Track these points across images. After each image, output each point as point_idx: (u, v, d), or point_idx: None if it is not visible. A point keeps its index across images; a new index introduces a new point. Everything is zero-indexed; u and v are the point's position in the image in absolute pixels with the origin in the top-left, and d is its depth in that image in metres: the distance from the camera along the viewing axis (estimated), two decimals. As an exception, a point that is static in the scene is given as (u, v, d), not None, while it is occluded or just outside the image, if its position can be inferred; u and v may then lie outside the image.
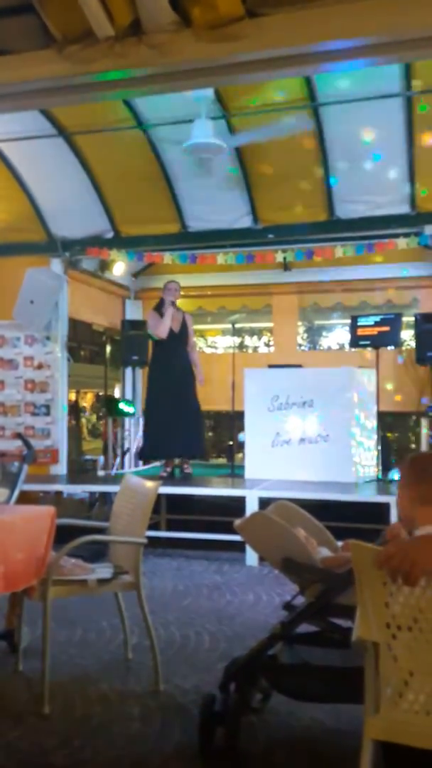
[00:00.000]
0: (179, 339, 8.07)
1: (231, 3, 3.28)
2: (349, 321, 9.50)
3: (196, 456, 8.25)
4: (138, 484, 4.16)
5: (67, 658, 4.23)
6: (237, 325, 10.40)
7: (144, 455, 8.64)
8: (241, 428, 8.48)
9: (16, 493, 4.90)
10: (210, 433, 14.17)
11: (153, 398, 8.15)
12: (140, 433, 10.54)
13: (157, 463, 8.95)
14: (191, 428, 7.98)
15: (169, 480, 7.81)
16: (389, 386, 9.46)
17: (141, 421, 10.68)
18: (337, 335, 14.03)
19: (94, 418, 18.68)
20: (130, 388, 10.73)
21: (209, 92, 6.62)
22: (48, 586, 3.56)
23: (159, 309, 8.08)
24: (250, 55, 3.46)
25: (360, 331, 8.99)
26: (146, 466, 9.82)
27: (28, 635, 4.23)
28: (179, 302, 8.32)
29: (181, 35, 3.40)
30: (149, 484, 4.04)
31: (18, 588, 3.54)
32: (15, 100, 4.01)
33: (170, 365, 8.03)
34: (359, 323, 9.02)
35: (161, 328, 7.98)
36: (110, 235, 8.74)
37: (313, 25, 3.34)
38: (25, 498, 5.26)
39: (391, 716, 2.06)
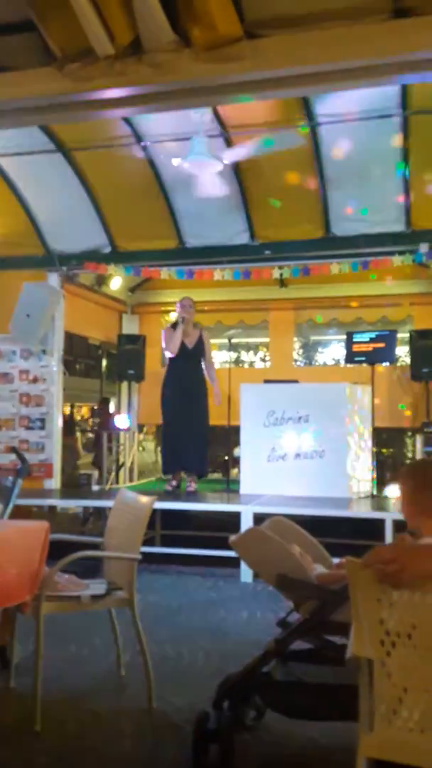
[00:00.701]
0: (193, 356, 8.07)
1: (230, 24, 3.31)
2: (344, 337, 9.54)
3: (197, 473, 8.23)
4: (133, 499, 4.15)
5: (60, 675, 4.20)
6: (233, 340, 10.45)
7: (164, 470, 8.61)
8: (237, 443, 8.49)
9: (10, 507, 4.88)
10: (206, 451, 14.15)
11: (165, 414, 8.20)
12: (135, 447, 10.57)
13: (152, 478, 8.94)
14: (195, 446, 7.99)
15: (168, 495, 7.79)
16: (384, 402, 9.47)
17: (136, 436, 10.70)
18: (333, 351, 14.06)
19: (89, 432, 18.65)
20: (126, 402, 10.73)
21: (206, 109, 6.66)
22: (41, 601, 3.55)
23: (174, 326, 8.09)
24: (247, 75, 3.50)
25: (355, 347, 9.04)
26: (141, 481, 9.82)
27: (21, 651, 4.19)
28: (199, 318, 8.32)
29: (180, 55, 3.43)
30: (144, 499, 4.03)
31: (11, 603, 3.52)
32: (15, 116, 4.04)
33: (181, 382, 8.03)
34: (354, 339, 9.06)
35: (170, 346, 8.01)
36: (107, 249, 8.77)
37: (311, 47, 3.38)
38: (19, 512, 5.24)
39: (386, 734, 2.06)
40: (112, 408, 11.54)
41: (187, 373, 8.04)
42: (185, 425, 7.92)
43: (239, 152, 7.28)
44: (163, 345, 8.18)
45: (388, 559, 1.98)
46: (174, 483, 8.06)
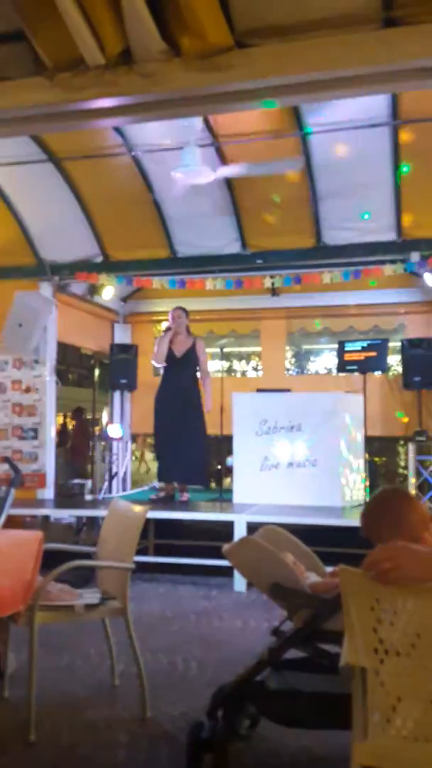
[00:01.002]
0: (183, 364, 8.00)
1: (220, 33, 3.33)
2: (336, 346, 9.56)
3: (196, 484, 8.19)
4: (126, 509, 4.14)
5: (54, 685, 4.18)
6: (225, 350, 10.45)
7: (159, 477, 8.55)
8: (230, 452, 8.48)
9: (3, 517, 4.88)
10: (202, 459, 14.13)
11: (156, 423, 8.16)
12: (128, 456, 10.55)
13: (145, 487, 8.93)
14: (191, 457, 7.92)
15: (160, 504, 7.77)
16: (376, 411, 9.48)
17: (129, 445, 10.68)
18: (325, 360, 14.09)
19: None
20: (118, 412, 10.72)
21: (197, 119, 6.69)
22: (34, 611, 3.53)
23: (165, 332, 8.11)
24: (238, 84, 3.51)
25: (347, 356, 9.07)
26: (134, 491, 9.80)
27: (14, 661, 4.18)
28: (191, 327, 8.29)
29: (170, 64, 3.45)
30: (137, 508, 4.03)
31: (4, 614, 3.51)
32: (5, 126, 4.05)
33: (171, 391, 8.01)
34: (346, 348, 9.08)
35: (156, 356, 8.03)
36: (99, 259, 8.78)
37: (301, 56, 3.39)
38: (12, 522, 5.23)
39: (379, 742, 2.05)
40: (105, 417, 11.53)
41: (176, 382, 8.00)
42: (177, 436, 7.87)
43: (233, 170, 7.31)
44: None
45: (382, 558, 1.98)
46: (162, 494, 8.00)
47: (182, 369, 8.01)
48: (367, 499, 3.02)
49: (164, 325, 8.00)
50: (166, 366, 8.03)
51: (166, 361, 7.99)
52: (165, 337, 7.95)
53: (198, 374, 8.07)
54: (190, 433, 7.91)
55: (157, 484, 8.46)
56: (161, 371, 8.22)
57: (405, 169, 7.34)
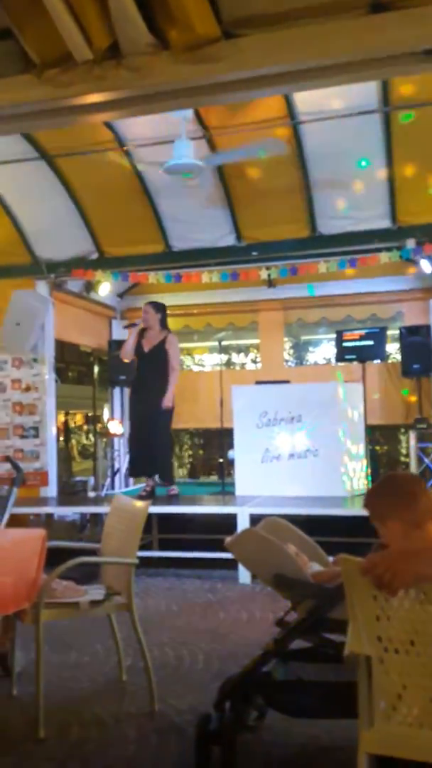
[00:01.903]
0: (150, 360, 7.85)
1: (207, 25, 3.31)
2: (334, 336, 9.56)
3: (161, 479, 8.12)
4: (128, 504, 4.15)
5: (62, 682, 4.19)
6: (223, 343, 10.44)
7: (129, 472, 8.53)
8: (231, 445, 8.49)
9: (6, 516, 4.88)
10: (200, 451, 14.15)
11: (130, 418, 8.19)
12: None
13: (144, 484, 8.91)
14: (156, 452, 7.79)
15: (160, 499, 7.76)
16: (376, 399, 9.49)
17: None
18: (323, 350, 14.07)
19: (83, 439, 18.60)
20: (119, 408, 10.72)
21: (188, 112, 6.67)
22: (40, 609, 3.54)
23: (129, 326, 8.07)
24: (228, 75, 3.49)
25: (345, 346, 9.05)
26: (136, 486, 9.80)
27: (22, 659, 4.19)
28: (169, 321, 8.23)
29: (159, 57, 3.43)
30: (139, 503, 4.03)
31: (9, 612, 3.52)
32: (-4, 124, 4.03)
33: (139, 386, 7.96)
34: (344, 337, 9.08)
35: (122, 351, 8.04)
36: (95, 256, 8.77)
37: (290, 45, 3.37)
38: (16, 521, 5.24)
39: (385, 730, 2.06)
40: (105, 414, 11.52)
41: (143, 376, 7.89)
42: (145, 432, 7.77)
43: (223, 157, 7.30)
44: None
45: (380, 567, 1.98)
46: (148, 488, 7.98)
47: (149, 364, 7.87)
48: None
49: (138, 321, 7.95)
50: (137, 361, 7.97)
51: (137, 356, 7.94)
52: (132, 334, 7.88)
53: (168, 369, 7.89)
54: (156, 430, 7.76)
55: (157, 479, 8.42)
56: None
57: (364, 163, 7.35)
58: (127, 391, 10.53)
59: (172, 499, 7.81)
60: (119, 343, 10.17)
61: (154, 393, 7.76)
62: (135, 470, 8.25)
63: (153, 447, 7.78)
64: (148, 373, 7.86)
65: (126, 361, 8.03)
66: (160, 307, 8.03)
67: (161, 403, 7.67)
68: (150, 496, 7.75)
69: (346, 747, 2.95)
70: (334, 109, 6.81)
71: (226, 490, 8.52)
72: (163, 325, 8.00)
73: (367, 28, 3.34)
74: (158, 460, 7.88)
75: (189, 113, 6.72)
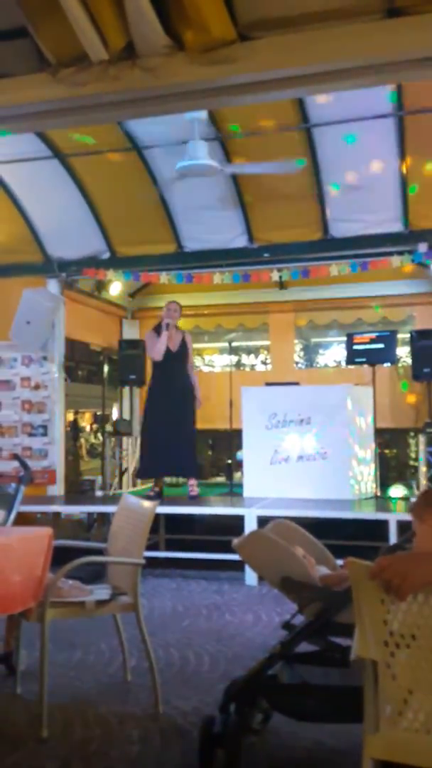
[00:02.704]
0: (177, 359, 7.93)
1: (223, 26, 3.31)
2: (345, 338, 9.54)
3: (189, 476, 8.16)
4: (135, 504, 4.15)
5: (66, 681, 4.20)
6: (234, 344, 10.44)
7: (140, 474, 8.46)
8: (240, 446, 8.48)
9: (14, 514, 4.89)
10: (209, 452, 14.13)
11: (150, 418, 8.02)
12: (138, 452, 10.55)
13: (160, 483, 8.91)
14: (186, 449, 7.85)
15: (170, 499, 7.76)
16: (385, 403, 9.46)
17: (138, 441, 10.68)
18: (334, 353, 14.05)
19: (92, 438, 18.58)
20: (128, 408, 10.73)
21: (202, 113, 6.67)
22: (45, 607, 3.55)
23: (157, 330, 8.01)
24: (242, 77, 3.50)
25: (356, 348, 9.04)
26: (144, 486, 9.80)
27: (26, 658, 4.20)
28: (180, 321, 8.25)
29: (174, 58, 3.43)
30: (147, 504, 4.03)
31: (15, 610, 3.52)
32: (10, 123, 4.04)
33: (167, 386, 7.96)
34: (355, 340, 9.06)
35: (155, 351, 7.87)
36: (106, 255, 8.78)
37: (305, 48, 3.37)
38: (23, 519, 5.25)
39: (391, 735, 2.05)
40: (114, 413, 11.53)
41: (173, 376, 7.92)
42: (174, 429, 7.76)
43: (241, 169, 7.32)
44: (147, 349, 8.12)
45: (389, 571, 1.97)
46: (157, 489, 7.97)
47: (176, 363, 7.91)
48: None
49: (165, 321, 7.89)
50: (163, 360, 7.96)
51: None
52: (164, 333, 7.88)
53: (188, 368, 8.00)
54: (189, 427, 7.85)
55: (165, 480, 8.43)
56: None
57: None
58: (137, 390, 10.56)
59: (193, 500, 7.76)
60: (130, 343, 10.21)
61: (182, 392, 7.88)
62: (156, 469, 8.12)
63: (182, 443, 7.81)
64: (175, 372, 7.92)
65: (157, 360, 7.97)
66: (180, 306, 8.12)
67: (192, 401, 7.86)
68: (158, 497, 7.75)
69: (351, 752, 2.95)
70: (348, 113, 6.80)
71: (234, 491, 8.52)
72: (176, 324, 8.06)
73: (383, 32, 3.35)
74: (189, 456, 7.92)
75: (203, 114, 6.72)
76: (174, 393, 7.86)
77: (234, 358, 12.35)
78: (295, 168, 7.02)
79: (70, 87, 3.56)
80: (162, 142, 7.41)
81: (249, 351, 15.17)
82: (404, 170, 7.39)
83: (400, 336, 9.41)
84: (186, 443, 7.84)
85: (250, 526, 6.66)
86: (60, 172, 7.93)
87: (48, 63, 3.59)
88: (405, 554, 2.19)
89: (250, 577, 6.70)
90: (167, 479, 8.64)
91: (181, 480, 8.62)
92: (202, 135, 6.83)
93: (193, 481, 7.93)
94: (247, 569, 6.63)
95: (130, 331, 10.87)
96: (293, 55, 3.40)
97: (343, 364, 10.88)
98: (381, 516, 6.80)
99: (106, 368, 10.65)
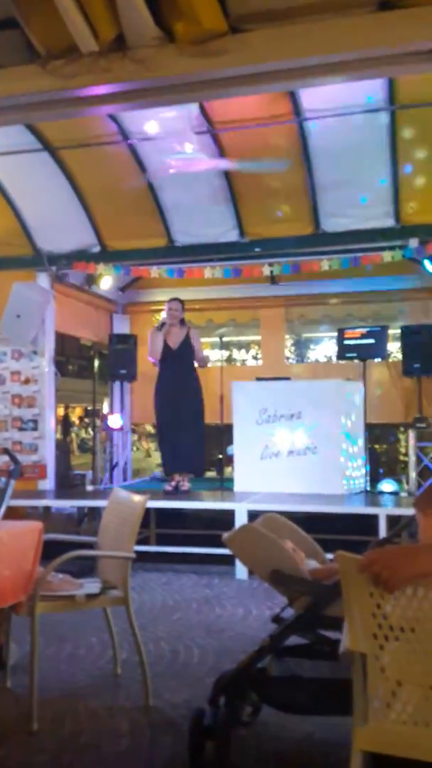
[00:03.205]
0: (179, 356, 7.93)
1: (214, 19, 3.30)
2: (335, 334, 9.55)
3: (194, 473, 8.17)
4: (126, 499, 4.14)
5: (56, 675, 4.20)
6: (225, 339, 10.44)
7: (165, 472, 8.40)
8: (230, 441, 8.48)
9: (3, 508, 4.85)
10: (201, 450, 14.14)
11: (158, 417, 8.11)
12: (129, 446, 10.56)
13: (146, 477, 8.92)
14: (193, 446, 7.91)
15: (167, 495, 7.75)
16: (376, 398, 9.48)
17: (129, 435, 10.69)
18: (325, 348, 14.07)
19: (82, 432, 18.59)
20: (118, 402, 10.72)
21: (193, 106, 6.65)
22: (35, 601, 3.54)
23: (161, 327, 8.01)
24: (233, 70, 3.49)
25: (347, 344, 9.04)
26: (135, 480, 9.81)
27: (16, 652, 4.19)
28: (190, 316, 8.24)
29: (164, 50, 3.43)
30: (137, 498, 4.03)
31: (5, 604, 3.51)
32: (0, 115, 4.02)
33: (170, 384, 7.96)
34: (346, 335, 9.07)
35: (152, 352, 7.98)
36: (97, 249, 8.75)
37: (296, 41, 3.37)
38: (13, 514, 5.22)
39: (380, 727, 2.06)
40: (105, 408, 11.52)
41: (174, 375, 7.92)
42: (179, 427, 7.83)
43: (229, 165, 7.32)
44: (149, 350, 8.11)
45: (377, 564, 1.97)
46: (174, 483, 7.98)
47: (179, 361, 7.94)
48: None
49: (162, 318, 7.91)
50: (162, 359, 7.97)
51: (162, 354, 7.95)
52: (160, 333, 7.88)
53: (195, 363, 8.01)
54: (189, 424, 7.88)
55: (158, 474, 8.45)
56: (158, 364, 8.14)
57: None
58: (127, 385, 10.55)
59: (174, 495, 7.78)
60: (120, 337, 10.19)
61: (187, 389, 7.90)
62: (171, 467, 8.13)
63: (189, 442, 7.86)
64: (179, 370, 7.92)
65: (154, 361, 7.98)
66: (182, 303, 8.12)
67: (198, 397, 7.92)
68: (176, 491, 7.77)
69: (340, 744, 2.95)
70: (340, 107, 6.79)
71: (224, 486, 8.52)
72: (182, 320, 8.04)
73: (374, 25, 3.35)
74: (196, 454, 7.98)
75: (194, 107, 6.70)
76: (176, 392, 7.87)
77: (225, 353, 12.36)
78: (285, 165, 7.02)
79: (60, 79, 3.55)
80: (153, 135, 7.37)
81: (240, 346, 15.19)
82: (396, 165, 7.39)
83: (390, 332, 9.42)
84: (192, 441, 7.88)
85: (241, 520, 6.66)
86: (50, 165, 7.89)
87: (38, 54, 3.58)
88: (394, 547, 2.18)
89: (241, 571, 6.71)
90: (158, 474, 8.64)
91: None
92: (194, 128, 6.81)
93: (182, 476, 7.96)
94: (238, 563, 6.64)
95: (121, 326, 10.84)
96: (285, 48, 3.39)
97: (334, 359, 10.91)
98: (371, 510, 6.82)
99: (96, 363, 10.63)
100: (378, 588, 1.99)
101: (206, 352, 9.23)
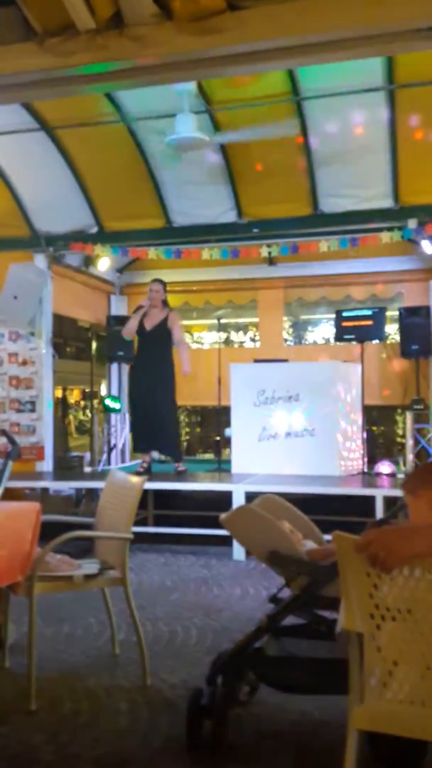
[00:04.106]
0: (152, 338, 7.90)
1: (212, -5, 3.26)
2: (333, 315, 9.53)
3: (169, 455, 8.20)
4: (123, 480, 4.15)
5: (54, 654, 4.22)
6: (222, 321, 10.41)
7: (134, 448, 8.51)
8: (228, 423, 8.49)
9: (1, 489, 4.86)
10: (197, 429, 14.16)
11: (130, 396, 8.27)
12: (126, 428, 10.56)
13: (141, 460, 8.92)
14: (164, 428, 7.90)
15: (167, 475, 7.78)
16: (373, 380, 9.48)
17: (127, 417, 10.69)
18: (323, 330, 14.05)
19: (80, 414, 18.59)
20: (116, 384, 10.71)
21: (191, 86, 6.60)
22: (33, 581, 3.55)
23: (138, 308, 8.03)
24: (231, 48, 3.44)
25: (345, 325, 9.02)
26: (133, 462, 9.82)
27: (15, 632, 4.21)
28: (169, 298, 8.24)
29: (162, 28, 3.38)
30: (135, 479, 4.03)
31: (3, 584, 3.52)
32: (-4, 94, 3.98)
33: (143, 364, 7.96)
34: (344, 317, 9.05)
35: (124, 330, 8.09)
36: (94, 230, 8.71)
37: (295, 19, 3.32)
38: (11, 495, 5.24)
39: (376, 706, 2.07)
40: (103, 390, 11.51)
41: (145, 355, 7.93)
42: (150, 408, 7.82)
43: (229, 137, 7.25)
44: None
45: (375, 544, 1.98)
46: (145, 465, 8.01)
47: (151, 343, 7.90)
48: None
49: (141, 303, 7.95)
50: (139, 340, 7.98)
51: (138, 335, 7.95)
52: (137, 314, 7.89)
53: (172, 347, 7.94)
54: (164, 406, 7.87)
55: (156, 455, 8.47)
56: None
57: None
58: (125, 367, 10.54)
59: (180, 476, 7.81)
60: (118, 319, 10.17)
61: (156, 370, 7.85)
62: (140, 445, 8.24)
63: (159, 422, 7.85)
64: (150, 351, 7.90)
65: (127, 339, 8.03)
66: (164, 285, 8.07)
67: (169, 382, 7.85)
68: (147, 472, 7.77)
69: (336, 723, 2.98)
70: (339, 86, 6.74)
71: (222, 467, 8.54)
72: (164, 302, 8.00)
73: (373, 3, 3.30)
74: (166, 436, 7.96)
75: (192, 86, 6.64)
76: (147, 372, 7.86)
77: (223, 335, 12.34)
78: (294, 127, 6.95)
79: (57, 56, 3.50)
80: (151, 115, 7.32)
81: (238, 328, 15.16)
82: (395, 145, 7.34)
83: (388, 313, 9.40)
84: (163, 422, 7.87)
85: (238, 501, 6.69)
86: (47, 145, 7.84)
87: (34, 32, 3.53)
88: (391, 528, 2.19)
89: (238, 551, 6.73)
90: (156, 455, 8.65)
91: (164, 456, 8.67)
92: (191, 107, 6.76)
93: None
94: (235, 544, 6.67)
95: (119, 307, 10.81)
96: (283, 26, 3.35)
97: (332, 341, 10.89)
98: (368, 492, 6.85)
99: (94, 344, 10.62)
100: (375, 568, 1.99)
101: (204, 333, 9.24)
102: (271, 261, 9.73)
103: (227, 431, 8.87)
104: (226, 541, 6.60)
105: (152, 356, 7.88)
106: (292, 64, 4.91)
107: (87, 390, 12.41)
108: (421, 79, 6.65)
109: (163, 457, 8.69)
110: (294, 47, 3.50)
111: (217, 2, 3.29)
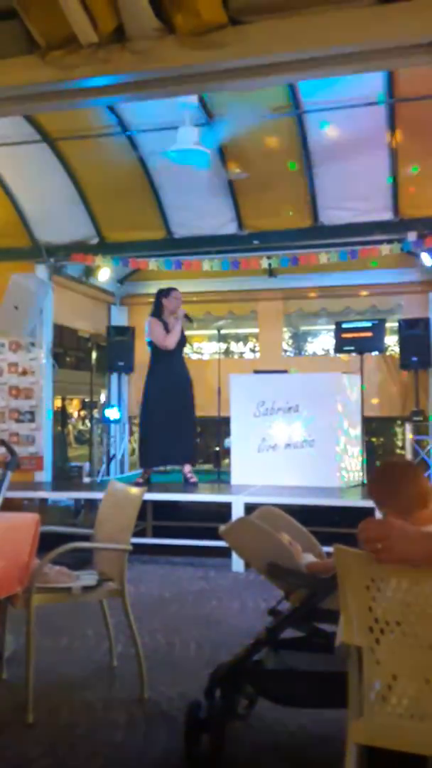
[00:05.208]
0: (180, 347, 8.13)
1: (214, 10, 3.29)
2: (333, 327, 9.54)
3: (189, 462, 8.19)
4: (123, 491, 4.15)
5: (52, 667, 4.20)
6: (223, 331, 10.42)
7: (143, 463, 8.24)
8: (227, 434, 8.48)
9: (0, 500, 4.87)
10: (197, 439, 14.16)
11: (152, 405, 7.99)
12: (126, 438, 10.55)
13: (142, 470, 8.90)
14: (187, 436, 8.02)
15: (159, 486, 7.77)
16: (373, 391, 9.48)
17: (127, 428, 10.68)
18: (322, 341, 14.07)
19: (80, 424, 18.56)
20: (116, 394, 10.71)
21: (193, 99, 6.64)
22: (32, 593, 3.54)
23: (159, 316, 7.99)
24: (233, 62, 3.48)
25: (344, 337, 9.04)
26: (132, 472, 9.80)
27: (12, 643, 4.19)
28: (188, 308, 8.30)
29: (164, 42, 3.41)
30: (134, 490, 4.03)
31: (1, 596, 3.51)
32: (-1, 106, 4.01)
33: (171, 374, 7.98)
34: (343, 329, 9.06)
35: (170, 341, 7.90)
36: (95, 241, 8.73)
37: (296, 33, 3.36)
38: (9, 505, 5.23)
39: (375, 720, 2.06)
40: (102, 400, 11.52)
41: (177, 364, 8.03)
42: (177, 418, 7.85)
43: (225, 128, 7.31)
44: (159, 337, 7.92)
45: (377, 537, 1.99)
46: (146, 476, 8.01)
47: (179, 351, 8.11)
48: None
49: (181, 312, 7.91)
50: (160, 350, 7.99)
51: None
52: (178, 323, 7.93)
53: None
54: (190, 414, 8.03)
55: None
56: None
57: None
58: (125, 377, 10.55)
59: (171, 487, 7.81)
60: (118, 329, 10.19)
61: (185, 379, 8.08)
62: (151, 460, 8.14)
63: (185, 431, 7.97)
64: (179, 360, 8.09)
65: (170, 349, 7.95)
66: None
67: (192, 389, 8.07)
68: (146, 483, 7.77)
69: (335, 737, 2.96)
70: (339, 100, 6.78)
71: (221, 478, 8.53)
72: None
73: (373, 18, 3.33)
74: (188, 442, 8.11)
75: (193, 99, 6.68)
76: (179, 381, 7.93)
77: (223, 346, 12.36)
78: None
79: (59, 70, 3.53)
80: (152, 127, 7.35)
81: (238, 338, 15.19)
82: (395, 159, 7.37)
83: (388, 325, 9.42)
84: (188, 430, 8.01)
85: (238, 513, 6.67)
86: (49, 157, 7.87)
87: (37, 45, 3.56)
88: (401, 524, 2.14)
89: (237, 563, 6.72)
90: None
91: (169, 467, 8.63)
92: (193, 120, 6.79)
93: (188, 468, 7.97)
94: (234, 556, 6.64)
95: (119, 318, 10.83)
96: (284, 40, 3.38)
97: (332, 352, 10.90)
98: (367, 504, 6.82)
99: (94, 354, 10.61)
100: (365, 547, 2.00)
101: (204, 344, 9.29)
102: (271, 272, 9.75)
103: (226, 442, 8.87)
104: (225, 553, 6.58)
105: (181, 364, 8.10)
106: (293, 78, 4.96)
107: (87, 400, 12.39)
108: (420, 93, 6.68)
109: (168, 468, 8.69)
110: (295, 61, 3.53)
111: (218, 17, 3.32)
